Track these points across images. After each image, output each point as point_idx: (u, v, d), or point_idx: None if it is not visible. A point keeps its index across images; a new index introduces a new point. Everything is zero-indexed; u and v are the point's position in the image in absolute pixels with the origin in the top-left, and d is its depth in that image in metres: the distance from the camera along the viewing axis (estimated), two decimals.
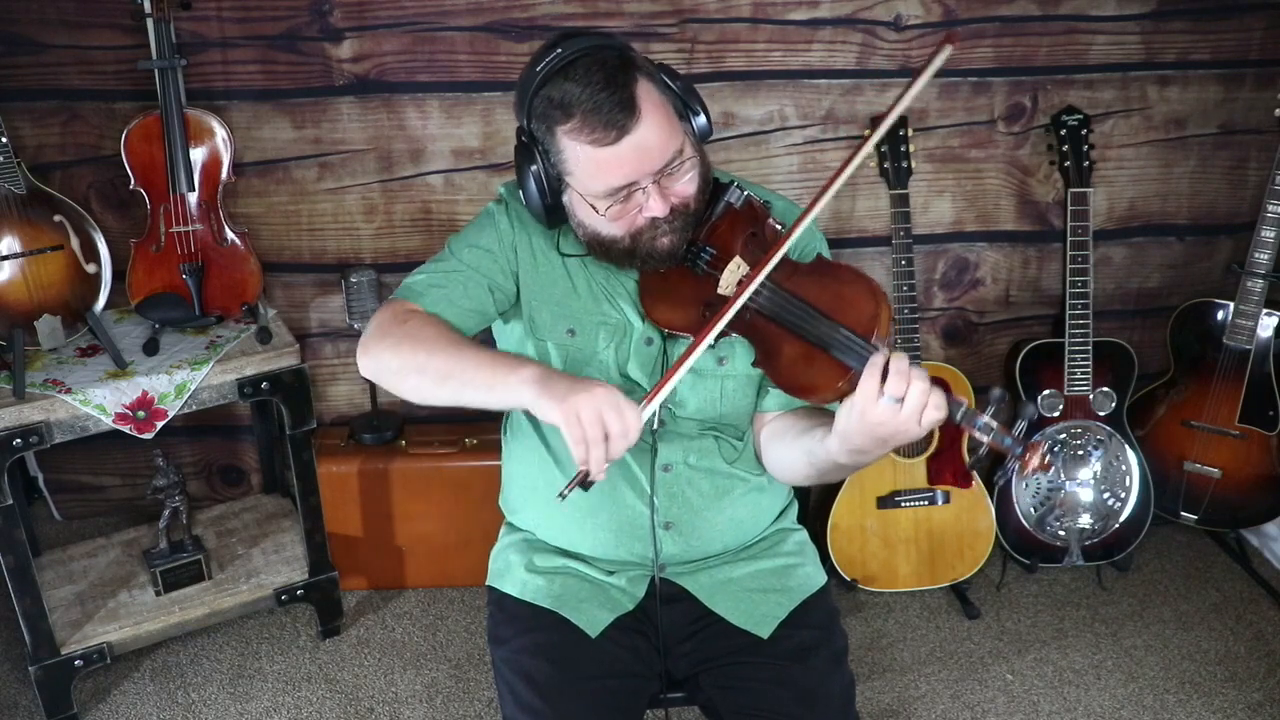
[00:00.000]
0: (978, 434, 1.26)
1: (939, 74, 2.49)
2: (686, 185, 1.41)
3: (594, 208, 1.40)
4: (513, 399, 1.35)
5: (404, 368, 1.43)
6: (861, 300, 1.35)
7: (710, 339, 1.37)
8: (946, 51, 1.33)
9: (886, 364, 1.24)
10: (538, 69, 1.38)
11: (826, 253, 1.58)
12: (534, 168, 1.41)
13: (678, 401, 1.53)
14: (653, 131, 1.35)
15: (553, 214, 1.45)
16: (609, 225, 1.41)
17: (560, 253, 1.53)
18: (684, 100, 1.43)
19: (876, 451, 1.31)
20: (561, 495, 1.33)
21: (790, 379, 1.37)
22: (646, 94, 1.36)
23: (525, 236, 1.55)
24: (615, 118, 1.33)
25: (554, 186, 1.43)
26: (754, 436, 1.60)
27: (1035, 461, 1.25)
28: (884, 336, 1.32)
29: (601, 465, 1.27)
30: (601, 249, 1.45)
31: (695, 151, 1.42)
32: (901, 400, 1.22)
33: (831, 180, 1.36)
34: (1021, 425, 1.27)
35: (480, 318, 1.54)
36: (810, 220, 1.36)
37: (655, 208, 1.38)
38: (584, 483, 1.31)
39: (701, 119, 1.45)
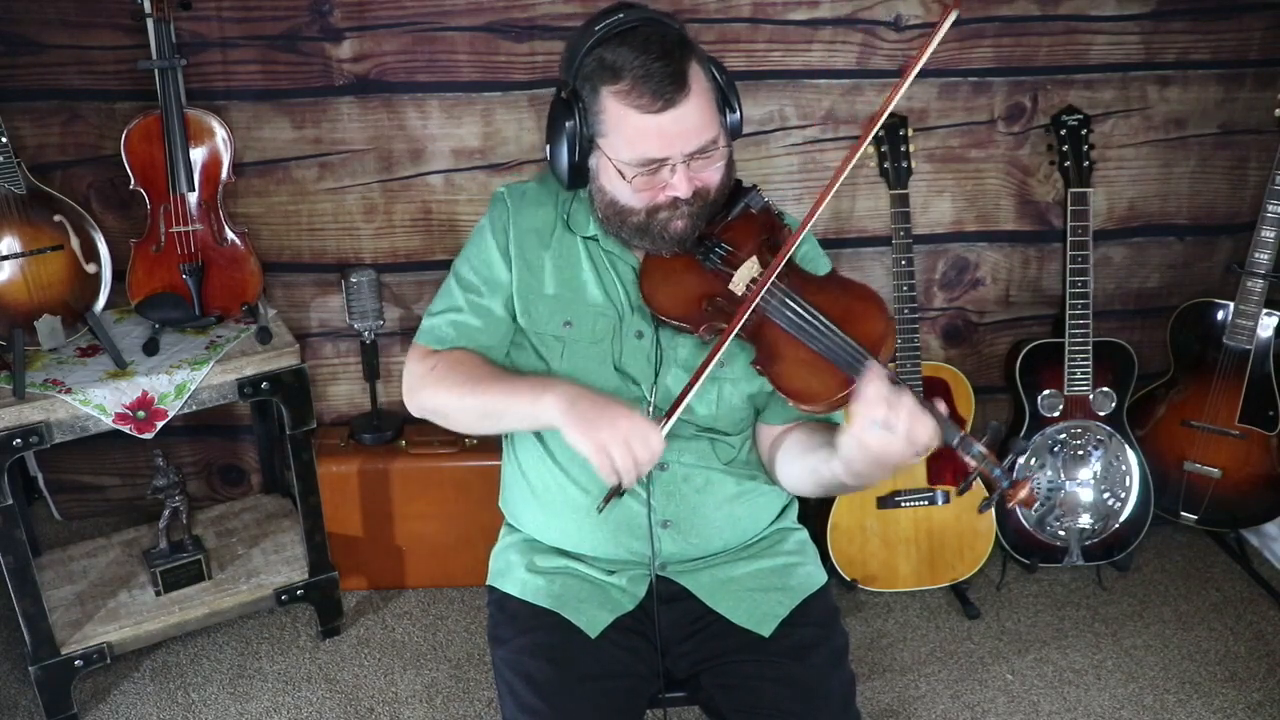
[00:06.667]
0: (969, 460, 1.28)
1: (940, 74, 2.50)
2: (713, 173, 1.46)
3: (621, 174, 1.43)
4: (546, 423, 1.42)
5: (448, 412, 1.54)
6: (872, 316, 1.38)
7: (725, 348, 1.41)
8: (953, 16, 1.33)
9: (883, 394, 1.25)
10: (595, 28, 1.42)
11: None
12: (570, 124, 1.44)
13: (672, 400, 1.53)
14: (695, 112, 1.40)
15: (576, 174, 1.49)
16: (630, 195, 1.44)
17: (568, 228, 1.56)
18: (725, 94, 1.47)
19: (879, 474, 1.34)
20: (600, 509, 1.45)
21: (790, 384, 1.39)
22: (696, 75, 1.41)
23: (522, 231, 1.57)
24: (664, 89, 1.37)
25: (584, 147, 1.46)
26: (761, 451, 1.62)
27: (1021, 494, 1.28)
28: (887, 356, 1.35)
29: (632, 482, 1.34)
30: (616, 219, 1.48)
31: (727, 144, 1.47)
32: (894, 428, 1.24)
33: (850, 156, 1.38)
34: (1011, 459, 1.29)
35: (504, 337, 1.59)
36: (825, 205, 1.39)
37: (680, 187, 1.42)
38: (619, 492, 1.38)
39: (737, 116, 1.50)
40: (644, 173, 1.42)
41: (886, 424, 1.23)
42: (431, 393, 1.54)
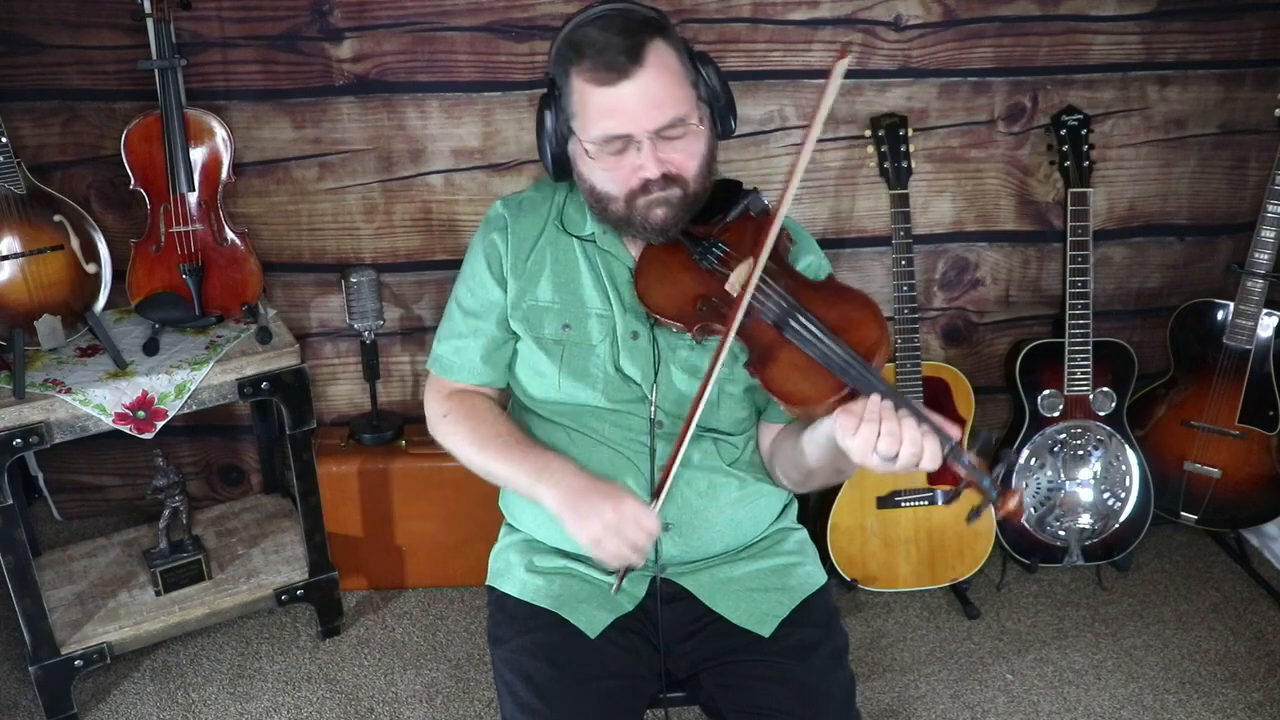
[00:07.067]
0: (960, 469, 1.29)
1: (940, 74, 2.50)
2: (683, 155, 1.45)
3: (587, 152, 1.44)
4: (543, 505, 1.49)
5: (461, 461, 1.62)
6: (867, 324, 1.39)
7: (709, 393, 1.42)
8: (846, 62, 1.34)
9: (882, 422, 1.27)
10: (573, 18, 1.45)
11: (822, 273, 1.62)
12: (549, 112, 1.47)
13: (674, 399, 1.54)
14: (655, 86, 1.39)
15: (559, 165, 1.51)
16: (604, 179, 1.46)
17: (563, 229, 1.57)
18: (708, 82, 1.48)
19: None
20: (615, 590, 1.51)
21: (782, 387, 1.40)
22: (659, 52, 1.41)
23: (520, 240, 1.58)
24: (618, 60, 1.38)
25: (563, 133, 1.48)
26: (762, 450, 1.62)
27: (1010, 505, 1.28)
28: (881, 363, 1.36)
29: (639, 562, 1.40)
30: (599, 208, 1.49)
31: (701, 128, 1.46)
32: (894, 459, 1.27)
33: (790, 176, 1.39)
34: (1001, 469, 1.30)
35: (504, 356, 1.63)
36: (790, 200, 1.39)
37: (648, 167, 1.42)
38: (629, 569, 1.45)
39: (723, 104, 1.50)
40: (609, 151, 1.43)
41: (886, 455, 1.26)
42: (444, 436, 1.64)
